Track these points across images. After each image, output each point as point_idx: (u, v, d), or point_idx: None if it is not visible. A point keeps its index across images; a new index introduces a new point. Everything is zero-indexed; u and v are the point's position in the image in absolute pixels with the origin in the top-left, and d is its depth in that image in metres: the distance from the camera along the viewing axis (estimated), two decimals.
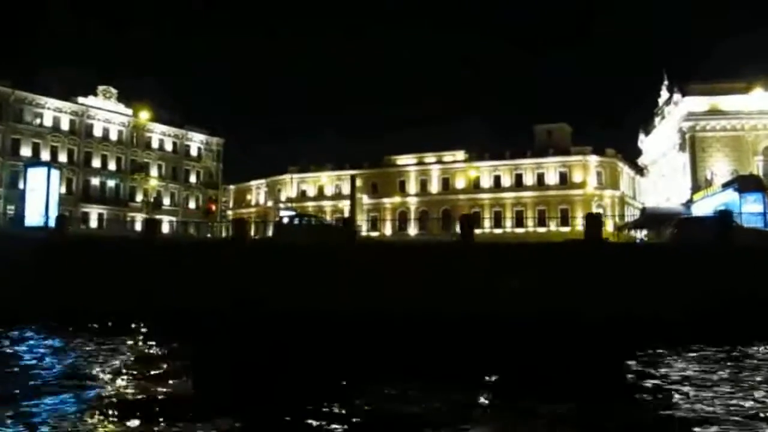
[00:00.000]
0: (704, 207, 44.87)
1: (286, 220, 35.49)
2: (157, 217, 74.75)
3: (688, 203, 49.86)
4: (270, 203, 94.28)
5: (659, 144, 59.87)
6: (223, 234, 62.82)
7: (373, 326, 20.70)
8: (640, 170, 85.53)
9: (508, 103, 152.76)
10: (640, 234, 55.28)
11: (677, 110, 52.67)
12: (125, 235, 44.12)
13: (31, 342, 21.26)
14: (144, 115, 31.41)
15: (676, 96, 52.54)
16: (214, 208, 75.66)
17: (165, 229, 77.08)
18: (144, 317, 23.93)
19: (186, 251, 29.17)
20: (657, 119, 60.76)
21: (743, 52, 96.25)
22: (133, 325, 23.36)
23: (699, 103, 50.54)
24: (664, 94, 59.19)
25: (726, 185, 43.05)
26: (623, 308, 22.05)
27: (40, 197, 36.67)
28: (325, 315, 21.72)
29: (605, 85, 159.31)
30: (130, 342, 20.99)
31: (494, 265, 23.52)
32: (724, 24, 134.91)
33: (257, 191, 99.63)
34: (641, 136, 66.44)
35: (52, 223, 36.60)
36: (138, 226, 73.56)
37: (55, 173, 37.66)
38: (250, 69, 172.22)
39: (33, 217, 36.47)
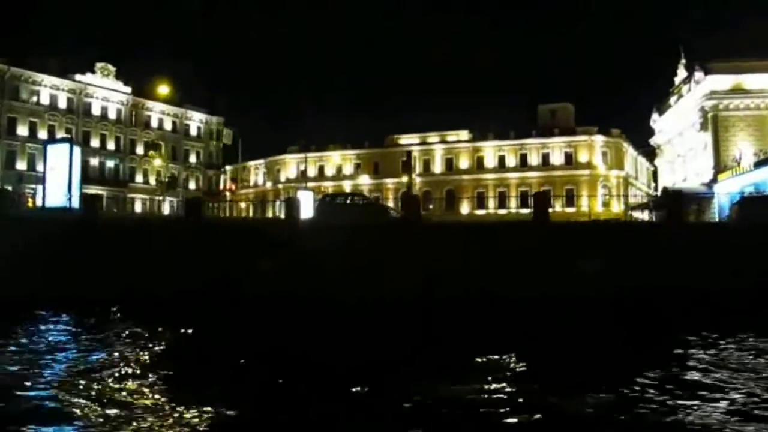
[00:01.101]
0: (730, 186, 44.37)
1: (328, 199, 34.18)
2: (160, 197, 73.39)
3: (711, 183, 49.37)
4: (269, 184, 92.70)
5: (675, 123, 59.20)
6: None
7: (457, 311, 19.85)
8: (645, 151, 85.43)
9: (508, 84, 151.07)
10: (644, 214, 55.02)
11: (698, 89, 51.92)
12: (161, 216, 42.22)
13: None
14: (164, 89, 29.70)
15: (698, 74, 51.69)
16: (234, 188, 73.87)
17: (165, 210, 75.56)
18: (221, 301, 22.68)
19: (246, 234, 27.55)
20: (672, 98, 60.06)
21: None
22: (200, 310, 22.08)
23: (722, 81, 49.77)
24: (681, 72, 58.41)
25: (759, 164, 42.61)
26: (697, 284, 21.54)
27: (62, 176, 34.50)
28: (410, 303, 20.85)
29: (607, 64, 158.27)
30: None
31: (570, 245, 22.72)
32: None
33: (255, 172, 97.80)
34: (654, 116, 65.77)
35: (75, 204, 35.00)
36: (138, 208, 72.26)
37: (77, 150, 35.73)
38: (249, 48, 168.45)
39: (54, 197, 34.49)
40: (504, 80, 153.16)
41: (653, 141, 68.00)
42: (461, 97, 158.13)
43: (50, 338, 18.60)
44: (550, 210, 71.65)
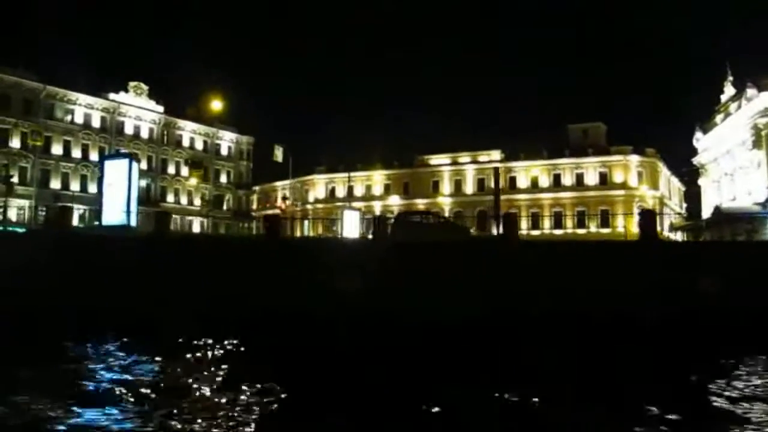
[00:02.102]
0: None
1: (403, 218, 33.01)
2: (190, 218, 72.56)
3: (766, 202, 48.19)
4: (298, 205, 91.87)
5: (722, 142, 58.14)
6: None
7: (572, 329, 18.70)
8: (679, 171, 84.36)
9: (536, 102, 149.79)
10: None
11: (750, 106, 50.90)
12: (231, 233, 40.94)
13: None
14: (217, 104, 28.74)
15: (750, 91, 50.71)
16: (284, 206, 72.90)
17: (196, 229, 74.78)
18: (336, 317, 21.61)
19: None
20: (719, 116, 59.05)
21: None
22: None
23: None
24: (729, 89, 57.47)
25: None
26: None
27: (120, 192, 33.53)
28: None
29: (635, 84, 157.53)
30: None
31: (678, 263, 21.60)
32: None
33: (283, 192, 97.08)
34: (697, 135, 64.65)
35: (133, 222, 34.11)
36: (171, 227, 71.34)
37: (135, 166, 34.94)
38: (272, 70, 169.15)
39: (112, 214, 33.56)
40: (531, 99, 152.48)
41: (696, 160, 66.78)
42: (490, 116, 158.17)
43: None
44: (585, 231, 71.63)
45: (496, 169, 32.44)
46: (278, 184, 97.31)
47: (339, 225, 39.48)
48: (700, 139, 64.36)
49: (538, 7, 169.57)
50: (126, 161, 34.49)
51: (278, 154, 44.51)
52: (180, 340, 19.33)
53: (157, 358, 17.52)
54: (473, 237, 28.35)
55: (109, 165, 35.14)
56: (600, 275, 21.46)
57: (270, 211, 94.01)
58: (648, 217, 25.64)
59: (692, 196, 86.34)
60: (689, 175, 70.50)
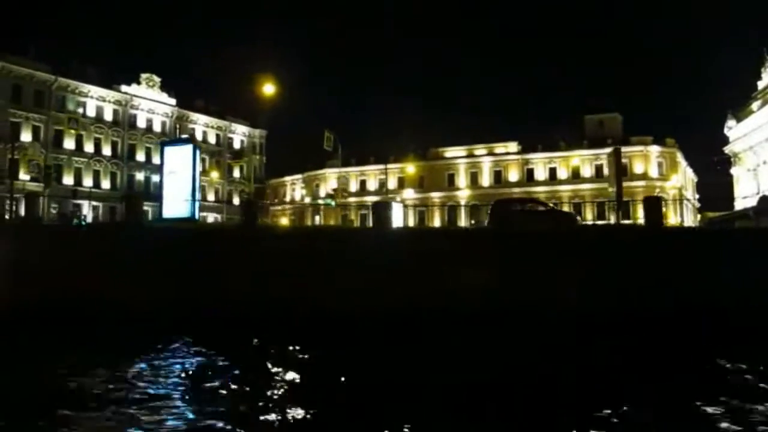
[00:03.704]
0: None
1: (504, 205, 30.95)
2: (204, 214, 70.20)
3: None
4: (307, 199, 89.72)
5: (760, 130, 57.32)
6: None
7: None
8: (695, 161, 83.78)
9: (549, 93, 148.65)
10: None
11: None
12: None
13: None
14: (269, 88, 26.51)
15: None
16: (345, 194, 70.54)
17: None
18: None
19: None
20: (755, 104, 58.19)
21: None
22: None
23: None
24: (767, 77, 56.69)
25: None
26: None
27: (185, 182, 31.26)
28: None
29: (649, 70, 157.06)
30: None
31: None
32: None
33: (292, 187, 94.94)
34: (730, 123, 63.78)
35: (196, 214, 31.96)
36: None
37: (197, 152, 32.53)
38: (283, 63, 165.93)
39: (174, 206, 31.32)
40: (545, 89, 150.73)
41: (729, 149, 65.93)
42: (504, 108, 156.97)
43: None
44: (604, 222, 70.58)
45: (617, 150, 30.39)
46: (287, 178, 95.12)
47: (370, 216, 37.35)
48: (732, 128, 63.50)
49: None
50: (190, 147, 32.23)
51: (328, 140, 42.36)
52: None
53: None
54: (580, 227, 26.60)
55: (171, 152, 32.75)
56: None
57: (278, 207, 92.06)
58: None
59: (706, 186, 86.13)
60: (720, 164, 69.92)
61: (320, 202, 79.04)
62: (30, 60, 60.66)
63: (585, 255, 21.65)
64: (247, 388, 13.94)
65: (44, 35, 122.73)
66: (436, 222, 71.36)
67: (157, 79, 71.87)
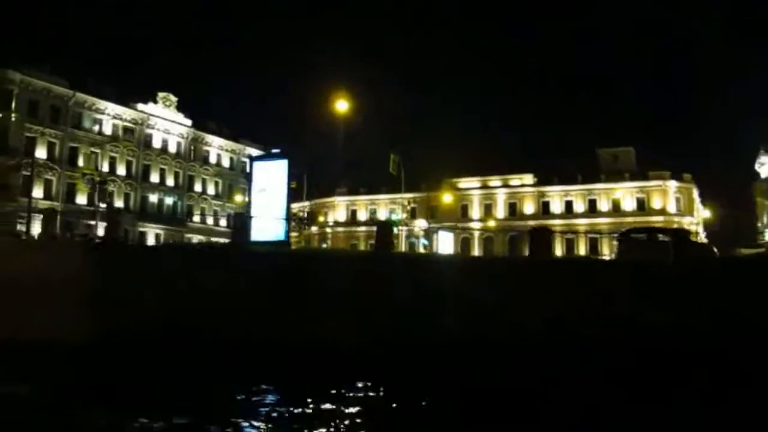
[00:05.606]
0: None
1: (632, 236, 29.24)
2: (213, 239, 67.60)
3: None
4: (314, 228, 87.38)
5: None
6: None
7: None
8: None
9: (561, 127, 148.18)
10: None
11: None
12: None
13: None
14: (342, 105, 24.96)
15: None
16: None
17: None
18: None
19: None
20: None
21: None
22: None
23: None
24: None
25: None
26: None
27: (277, 201, 28.74)
28: None
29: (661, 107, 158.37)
30: None
31: None
32: None
33: (300, 214, 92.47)
34: (762, 158, 63.70)
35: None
36: None
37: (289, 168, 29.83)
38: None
39: (264, 229, 28.52)
40: (557, 123, 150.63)
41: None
42: (519, 139, 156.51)
43: None
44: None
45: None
46: (294, 206, 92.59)
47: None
48: (765, 163, 63.40)
49: (562, 29, 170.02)
50: (284, 162, 29.35)
51: (394, 162, 40.59)
52: None
53: None
54: (716, 257, 25.12)
55: (260, 167, 30.23)
56: None
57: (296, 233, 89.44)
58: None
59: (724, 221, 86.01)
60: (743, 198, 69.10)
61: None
62: (47, 74, 58.16)
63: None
64: None
65: (59, 54, 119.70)
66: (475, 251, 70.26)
67: (174, 99, 69.69)
